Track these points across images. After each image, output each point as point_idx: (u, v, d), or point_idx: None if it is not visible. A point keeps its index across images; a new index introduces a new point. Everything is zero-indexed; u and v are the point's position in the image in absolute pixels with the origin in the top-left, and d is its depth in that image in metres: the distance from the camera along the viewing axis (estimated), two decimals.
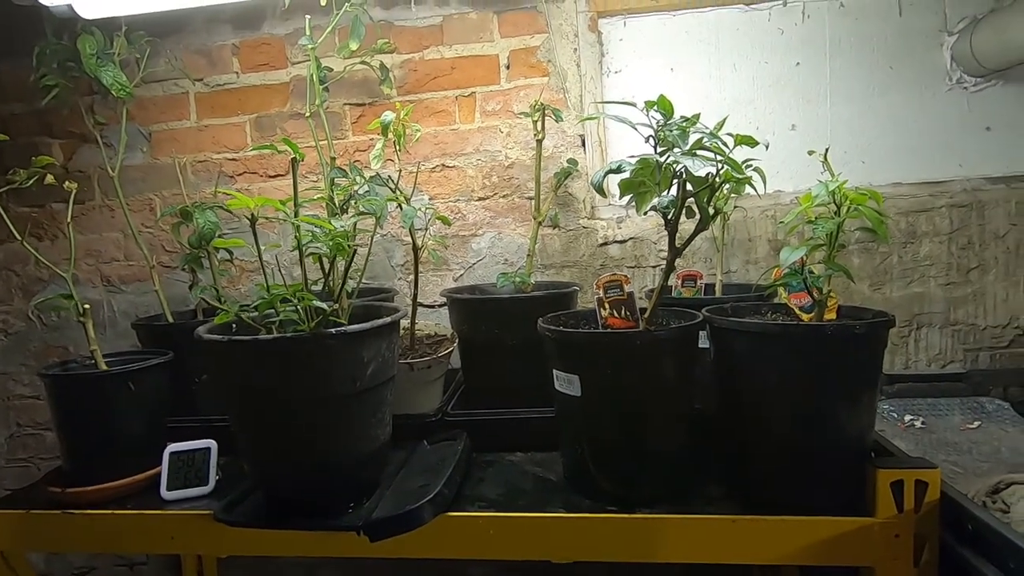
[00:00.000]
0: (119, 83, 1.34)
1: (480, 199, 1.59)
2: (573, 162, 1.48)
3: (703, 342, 0.99)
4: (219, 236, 1.38)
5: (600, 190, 0.91)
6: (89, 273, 1.74)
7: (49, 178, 1.14)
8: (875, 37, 1.47)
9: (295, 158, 0.96)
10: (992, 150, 1.45)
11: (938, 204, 1.44)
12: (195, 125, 1.67)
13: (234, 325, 1.00)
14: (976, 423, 1.27)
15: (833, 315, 0.99)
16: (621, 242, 1.54)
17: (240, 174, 1.67)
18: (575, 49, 1.53)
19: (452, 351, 1.27)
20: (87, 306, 1.12)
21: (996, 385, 1.35)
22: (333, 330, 0.88)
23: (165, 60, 1.63)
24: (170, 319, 1.41)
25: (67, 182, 1.17)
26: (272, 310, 0.93)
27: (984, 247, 1.43)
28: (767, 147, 0.85)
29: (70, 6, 1.27)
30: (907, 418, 1.30)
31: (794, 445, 0.88)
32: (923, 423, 1.28)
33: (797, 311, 1.02)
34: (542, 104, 1.35)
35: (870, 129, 1.49)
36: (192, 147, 1.67)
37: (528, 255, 1.40)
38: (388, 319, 0.94)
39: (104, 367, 1.12)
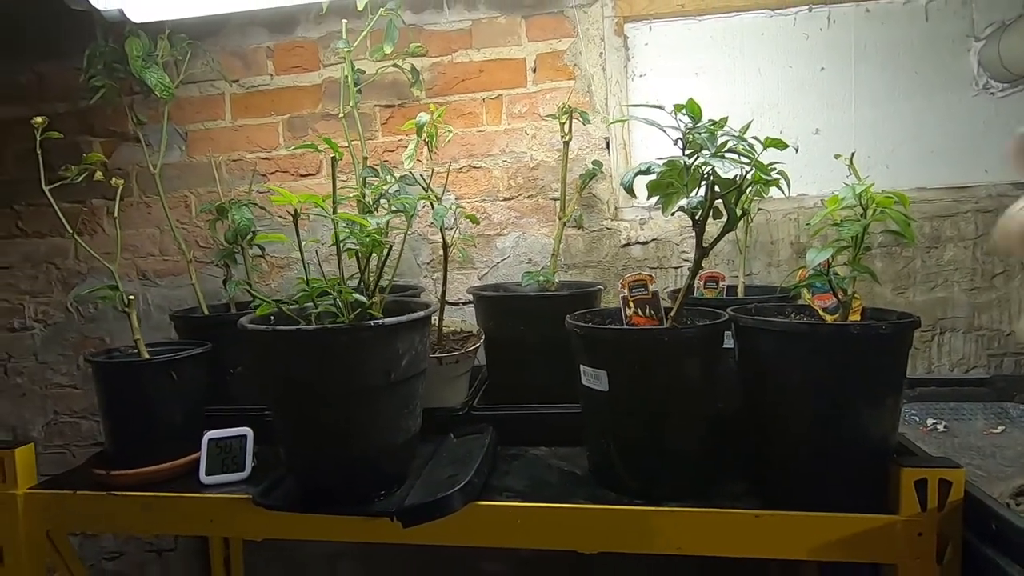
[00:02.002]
0: (162, 84, 1.39)
1: (505, 199, 1.62)
2: (598, 164, 1.51)
3: (727, 342, 1.02)
4: (253, 233, 1.43)
5: (630, 190, 0.94)
6: (125, 267, 1.80)
7: (97, 174, 1.19)
8: (901, 42, 1.48)
9: (335, 156, 1.00)
10: None
11: (963, 209, 1.44)
12: (230, 125, 1.72)
13: (272, 317, 1.04)
14: (1000, 428, 1.27)
15: (858, 317, 1.00)
16: (644, 243, 1.56)
17: (272, 173, 1.72)
18: (601, 53, 1.55)
19: (478, 347, 1.30)
20: (132, 297, 1.17)
21: (1020, 391, 1.35)
22: (371, 322, 0.91)
23: (202, 62, 1.69)
24: (205, 312, 1.46)
25: (113, 178, 1.22)
26: (312, 303, 0.97)
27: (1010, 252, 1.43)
28: (796, 150, 0.88)
29: (121, 10, 1.33)
30: (929, 422, 1.30)
31: (817, 444, 0.90)
32: (946, 427, 1.29)
33: (821, 312, 1.04)
34: (569, 107, 1.38)
35: (895, 134, 1.49)
36: (227, 146, 1.73)
37: (552, 255, 1.43)
38: (422, 313, 0.98)
39: (147, 356, 1.17)
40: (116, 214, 1.22)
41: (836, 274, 0.97)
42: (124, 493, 1.08)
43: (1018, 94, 1.43)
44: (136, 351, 1.18)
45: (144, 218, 1.79)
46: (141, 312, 1.81)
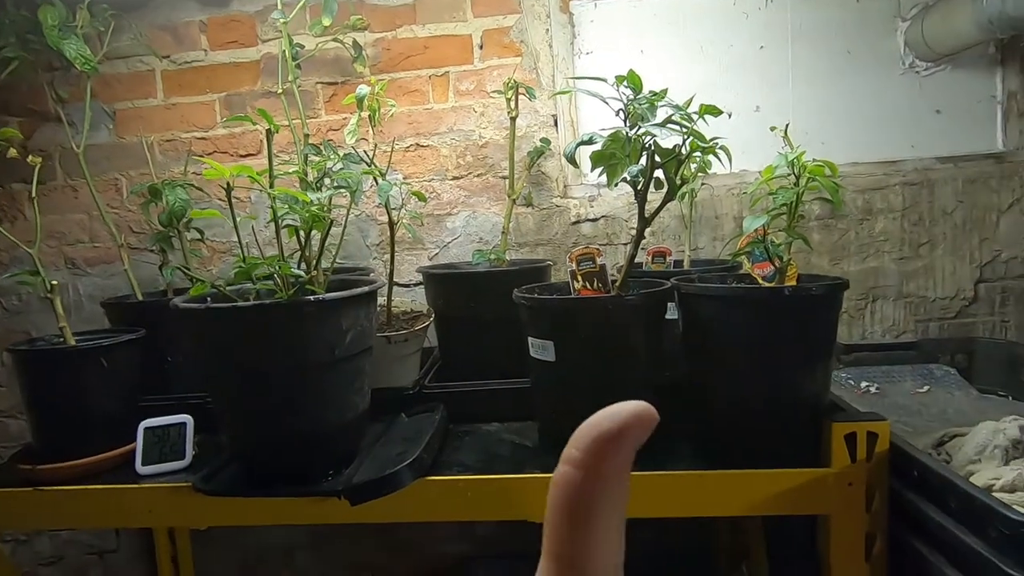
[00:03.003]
0: (83, 57, 1.31)
1: (454, 178, 1.60)
2: (546, 141, 1.51)
3: (671, 313, 1.04)
4: (189, 215, 1.37)
5: (572, 160, 0.94)
6: (52, 256, 1.70)
7: (12, 151, 1.11)
8: (834, 22, 1.53)
9: (270, 129, 0.96)
10: (942, 131, 1.53)
11: (892, 182, 1.51)
12: (162, 103, 1.64)
13: (209, 298, 1.00)
14: (926, 388, 1.35)
15: (793, 282, 1.04)
16: (593, 220, 1.57)
17: (210, 153, 1.64)
18: (547, 30, 1.55)
19: (428, 325, 1.29)
20: (55, 283, 1.10)
21: (944, 353, 1.43)
22: (312, 297, 0.89)
23: (129, 36, 1.59)
24: (140, 298, 1.39)
25: (30, 156, 1.14)
26: (249, 281, 0.93)
27: (934, 223, 1.51)
28: (730, 116, 0.90)
29: None
30: (863, 384, 1.37)
31: (755, 403, 0.93)
32: (878, 389, 1.36)
33: (760, 280, 1.07)
34: (515, 82, 1.37)
35: (830, 111, 1.55)
36: (159, 126, 1.64)
37: (503, 233, 1.42)
38: (366, 288, 0.96)
39: (73, 343, 1.10)
40: (35, 193, 1.14)
41: (772, 242, 1.00)
42: (53, 488, 1.02)
43: (940, 72, 1.51)
44: (62, 339, 1.11)
45: (71, 203, 1.69)
46: (71, 303, 1.71)
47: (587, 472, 0.19)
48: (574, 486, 0.19)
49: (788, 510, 0.92)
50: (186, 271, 1.12)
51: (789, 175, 0.96)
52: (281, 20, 1.25)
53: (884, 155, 1.54)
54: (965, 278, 1.52)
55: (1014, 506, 0.74)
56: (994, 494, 0.80)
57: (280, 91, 1.31)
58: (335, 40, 1.45)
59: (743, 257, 1.09)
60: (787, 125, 1.04)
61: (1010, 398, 1.29)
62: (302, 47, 1.39)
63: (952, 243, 1.51)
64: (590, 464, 0.19)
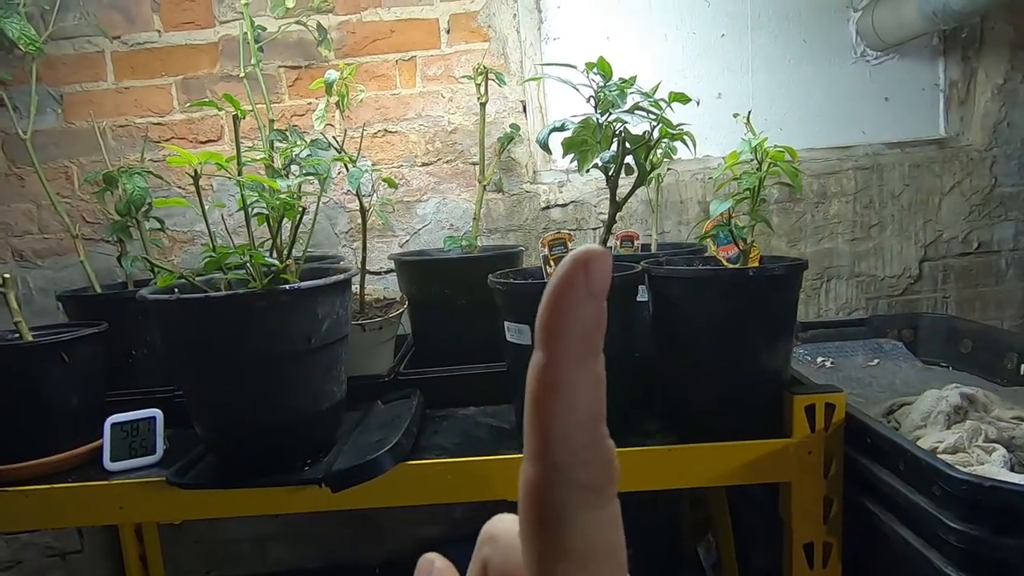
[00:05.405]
0: (27, 37, 1.24)
1: (424, 164, 1.59)
2: (515, 127, 1.52)
3: (642, 295, 1.07)
4: (149, 203, 1.32)
5: (545, 147, 0.95)
6: None
7: None
8: (791, 12, 1.58)
9: (237, 115, 0.94)
10: (890, 118, 1.61)
11: (845, 167, 1.59)
12: (114, 87, 1.57)
13: (176, 289, 0.97)
14: (876, 361, 1.43)
15: (756, 264, 1.09)
16: (563, 206, 1.60)
17: (167, 139, 1.58)
18: (514, 15, 1.55)
19: (402, 312, 1.29)
20: (7, 275, 1.05)
21: (892, 328, 1.52)
22: (287, 286, 0.88)
23: (76, 15, 1.51)
24: (99, 290, 1.34)
25: None
26: (220, 270, 0.92)
27: (883, 206, 1.59)
28: (698, 103, 0.92)
29: None
30: (819, 359, 1.45)
31: (723, 378, 0.97)
32: (832, 363, 1.43)
33: (725, 262, 1.12)
34: (485, 67, 1.37)
35: (787, 98, 1.61)
36: (111, 110, 1.57)
37: (474, 219, 1.43)
38: (341, 276, 0.95)
39: (31, 338, 1.06)
40: None
41: (736, 225, 1.04)
42: (15, 488, 0.99)
43: (888, 61, 1.58)
44: (17, 334, 1.06)
45: (17, 192, 1.60)
46: (21, 296, 1.63)
47: (548, 351, 0.17)
48: (539, 367, 0.17)
49: (753, 479, 0.97)
50: (150, 261, 1.08)
51: (752, 160, 1.00)
52: (242, 0, 1.21)
53: (837, 141, 1.61)
54: (910, 258, 1.61)
55: (956, 466, 0.80)
56: (939, 456, 0.87)
57: (242, 75, 1.27)
58: (298, 23, 1.41)
59: (708, 240, 1.13)
60: (749, 112, 1.08)
61: (951, 368, 1.39)
62: (264, 29, 1.35)
63: (899, 225, 1.60)
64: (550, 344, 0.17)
